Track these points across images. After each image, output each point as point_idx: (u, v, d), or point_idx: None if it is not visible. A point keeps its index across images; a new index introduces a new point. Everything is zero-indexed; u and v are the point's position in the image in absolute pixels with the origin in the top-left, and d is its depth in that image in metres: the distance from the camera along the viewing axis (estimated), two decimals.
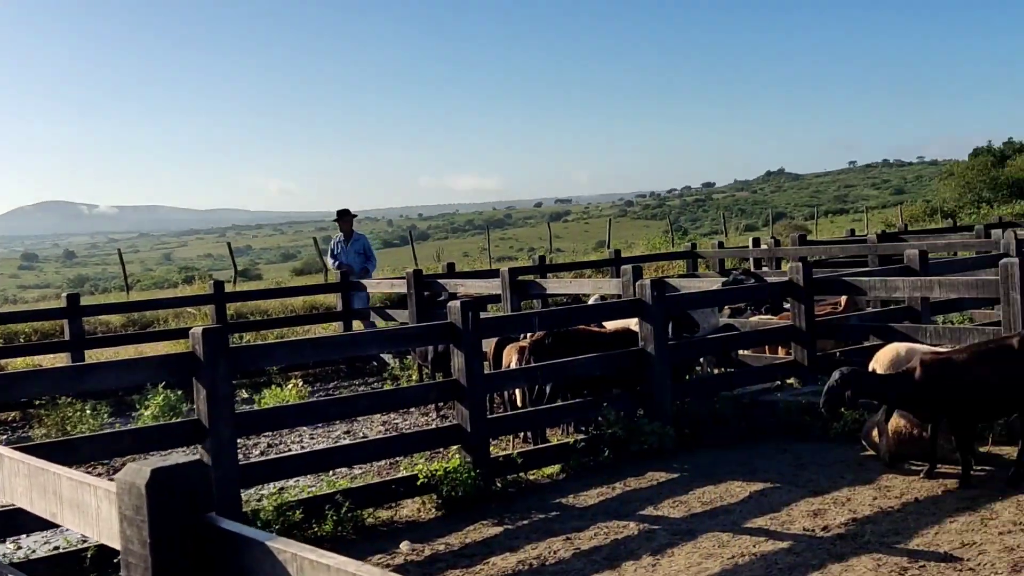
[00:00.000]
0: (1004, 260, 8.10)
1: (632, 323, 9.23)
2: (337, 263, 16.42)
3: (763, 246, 18.24)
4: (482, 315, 7.82)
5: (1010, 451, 7.86)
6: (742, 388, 9.51)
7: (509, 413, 8.31)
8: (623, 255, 18.42)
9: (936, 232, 20.71)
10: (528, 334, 8.98)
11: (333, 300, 17.01)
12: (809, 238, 20.93)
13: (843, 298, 11.36)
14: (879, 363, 7.89)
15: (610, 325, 9.51)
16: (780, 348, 10.58)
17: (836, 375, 7.26)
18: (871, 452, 8.09)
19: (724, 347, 9.60)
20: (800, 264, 9.58)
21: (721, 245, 19.38)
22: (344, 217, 16.32)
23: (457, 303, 7.59)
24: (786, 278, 9.71)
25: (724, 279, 10.79)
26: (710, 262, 18.76)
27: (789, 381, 9.73)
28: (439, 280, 14.24)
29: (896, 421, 7.82)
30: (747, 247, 18.90)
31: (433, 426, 9.04)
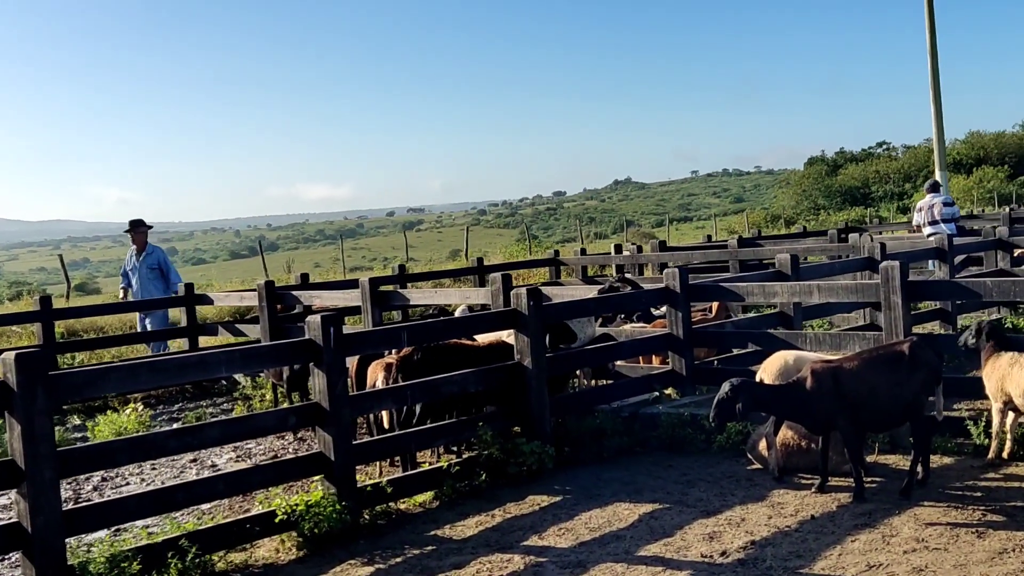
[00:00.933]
0: (885, 264, 7.90)
1: (505, 335, 8.66)
2: (123, 285, 15.22)
3: (625, 252, 18.01)
4: (345, 330, 7.06)
5: (896, 460, 7.66)
6: (620, 401, 9.06)
7: (377, 437, 7.58)
8: (484, 263, 17.86)
9: (791, 237, 21.02)
10: (394, 349, 8.28)
11: (177, 315, 15.80)
12: (669, 244, 20.88)
13: (714, 304, 11.10)
14: (767, 373, 7.55)
15: (481, 338, 8.90)
16: (655, 358, 10.21)
17: (726, 387, 6.86)
18: (758, 465, 7.75)
19: (603, 358, 9.12)
20: (676, 270, 9.22)
21: (583, 252, 19.09)
22: (137, 228, 15.07)
23: (317, 318, 6.83)
24: (662, 284, 9.31)
25: (599, 287, 10.34)
26: (573, 269, 18.45)
27: (667, 391, 9.34)
28: (293, 292, 13.33)
29: (784, 433, 7.50)
30: (609, 254, 18.67)
31: (292, 454, 8.19)
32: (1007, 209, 25.82)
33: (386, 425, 8.30)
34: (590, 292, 10.26)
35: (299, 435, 9.90)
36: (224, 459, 9.45)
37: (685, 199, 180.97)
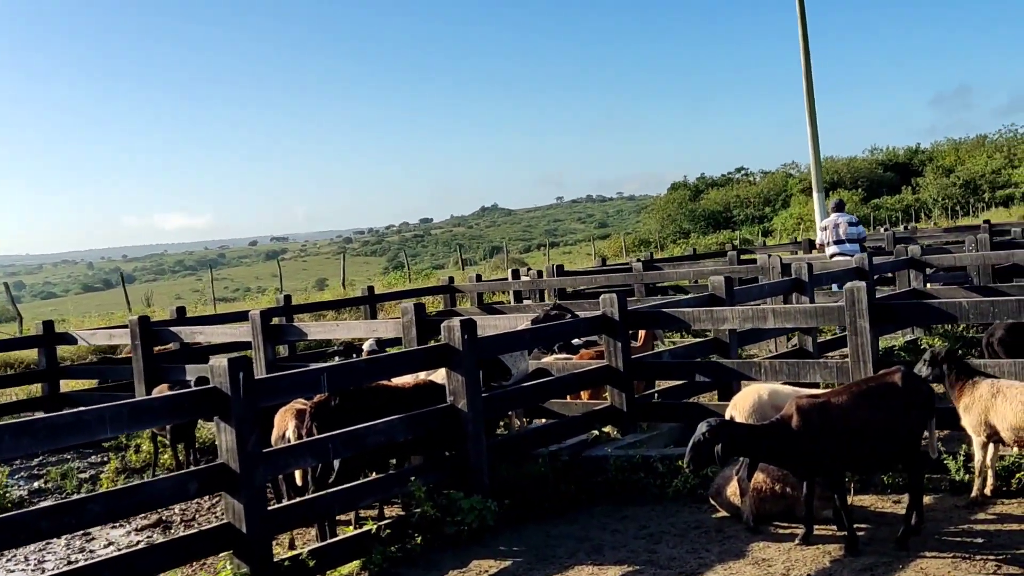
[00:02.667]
0: (850, 284, 7.24)
1: (424, 374, 7.64)
2: None
3: (524, 278, 17.17)
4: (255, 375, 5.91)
5: (873, 501, 6.97)
6: (558, 443, 8.13)
7: (295, 501, 6.40)
8: (376, 292, 16.71)
9: (689, 259, 20.60)
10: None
11: (33, 356, 14.08)
12: (578, 267, 20.17)
13: (642, 332, 10.32)
14: (738, 410, 6.75)
15: (401, 379, 7.82)
16: (583, 392, 9.32)
17: (703, 428, 6.01)
18: (724, 513, 6.93)
19: (542, 396, 8.18)
20: (614, 295, 8.38)
21: (479, 278, 18.16)
22: None
23: (223, 361, 5.67)
24: (598, 312, 8.45)
25: (534, 316, 9.42)
26: (469, 296, 17.49)
27: (606, 429, 8.46)
28: (171, 328, 11.89)
29: (755, 476, 6.70)
30: (506, 279, 17.81)
31: (194, 523, 6.88)
32: (891, 230, 26.21)
33: (298, 483, 7.13)
34: (519, 322, 9.31)
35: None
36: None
37: (551, 225, 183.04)
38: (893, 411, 6.02)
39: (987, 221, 28.02)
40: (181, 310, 13.92)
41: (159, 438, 9.86)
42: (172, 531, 8.13)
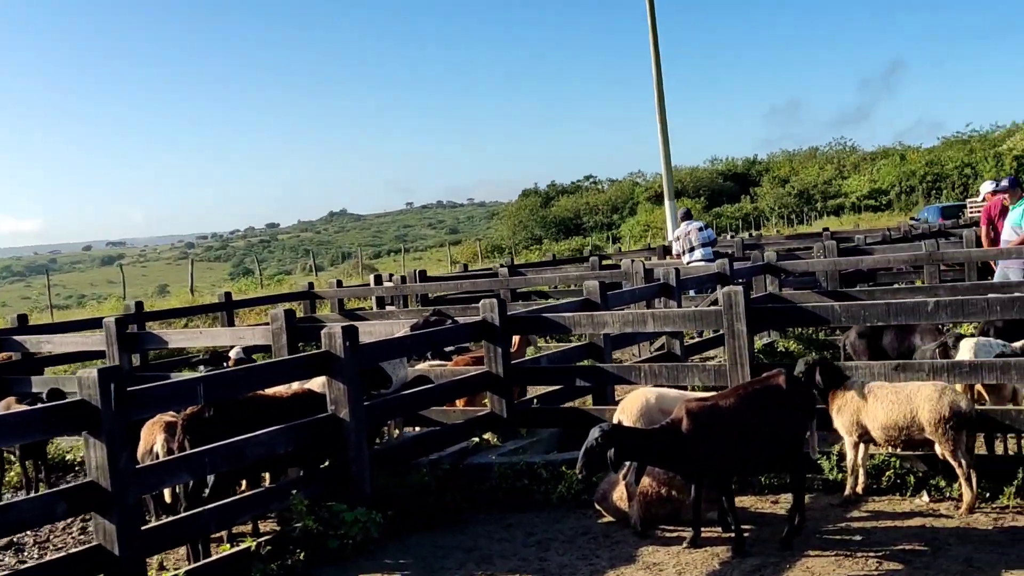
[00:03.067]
0: (727, 289, 7.37)
1: (296, 384, 7.37)
2: None
3: (388, 284, 16.92)
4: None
5: (753, 502, 7.10)
6: (439, 451, 7.97)
7: (171, 519, 6.01)
8: (233, 299, 16.12)
9: (550, 265, 20.74)
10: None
11: None
12: (431, 273, 20.00)
13: (516, 337, 10.26)
14: (626, 414, 6.75)
15: (275, 389, 7.50)
16: (458, 400, 9.19)
17: (596, 433, 5.97)
18: (610, 518, 6.93)
19: (423, 403, 8.00)
20: (494, 301, 8.29)
21: (339, 284, 17.77)
22: None
23: (93, 372, 5.28)
24: (478, 317, 8.34)
25: (414, 322, 9.20)
26: (330, 302, 17.11)
27: (486, 436, 8.36)
28: (14, 337, 11.12)
29: (641, 481, 6.72)
30: (368, 285, 17.51)
31: (64, 551, 6.30)
32: (739, 237, 27.11)
33: (168, 500, 6.74)
34: (397, 328, 9.09)
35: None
36: None
37: (401, 231, 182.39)
38: (778, 413, 6.14)
39: (826, 229, 29.42)
40: (23, 317, 13.06)
41: (5, 454, 9.18)
42: (25, 553, 7.55)
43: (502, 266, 18.16)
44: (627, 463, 6.46)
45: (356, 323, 7.95)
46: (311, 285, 17.70)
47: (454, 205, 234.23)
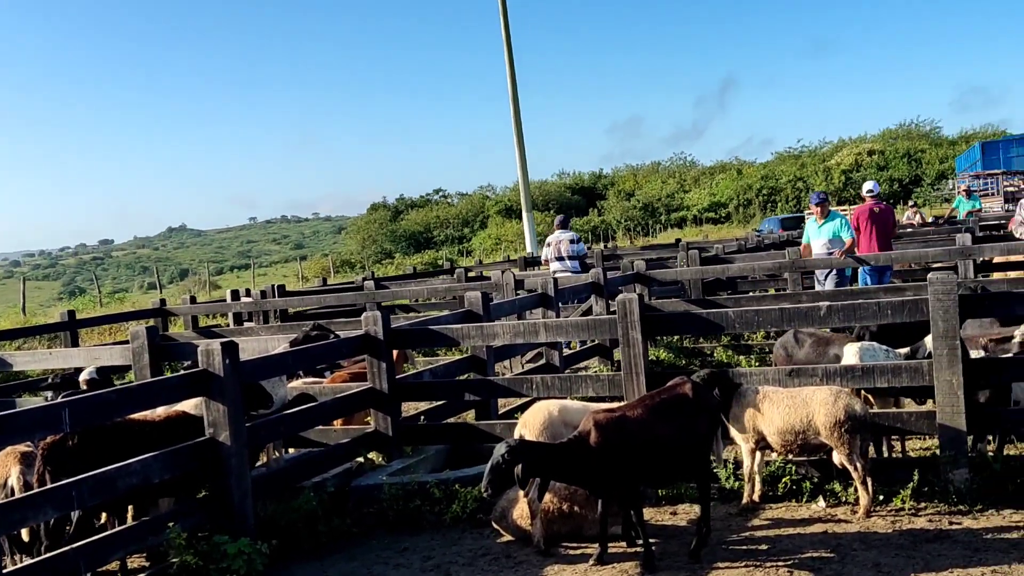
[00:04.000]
0: (622, 296, 7.22)
1: (164, 409, 6.79)
2: None
3: (245, 299, 16.18)
4: None
5: (652, 515, 6.94)
6: (323, 473, 7.52)
7: (35, 561, 5.33)
8: (77, 317, 15.05)
9: (411, 278, 20.32)
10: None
11: None
12: (290, 287, 19.28)
13: (394, 353, 9.87)
14: (529, 428, 6.48)
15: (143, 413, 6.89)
16: (335, 420, 8.73)
17: (502, 449, 5.69)
18: (508, 537, 6.65)
19: (308, 423, 7.52)
20: (377, 314, 7.91)
21: (193, 300, 16.88)
22: None
23: None
24: (360, 331, 7.94)
25: (293, 337, 8.65)
26: (183, 319, 16.23)
27: (371, 455, 7.95)
28: None
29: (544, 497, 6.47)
30: (224, 300, 16.72)
31: None
32: (597, 249, 27.35)
33: (26, 538, 6.06)
34: (273, 344, 8.55)
35: None
36: None
37: (244, 246, 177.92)
38: (686, 422, 6.01)
39: (678, 240, 30.09)
40: None
41: None
42: None
43: (366, 279, 17.66)
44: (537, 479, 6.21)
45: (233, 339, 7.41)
46: (163, 302, 16.75)
47: (299, 219, 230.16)
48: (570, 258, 15.88)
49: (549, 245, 15.98)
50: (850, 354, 7.57)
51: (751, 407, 6.71)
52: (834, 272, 13.19)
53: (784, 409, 6.61)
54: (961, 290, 6.85)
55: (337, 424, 8.63)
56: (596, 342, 12.00)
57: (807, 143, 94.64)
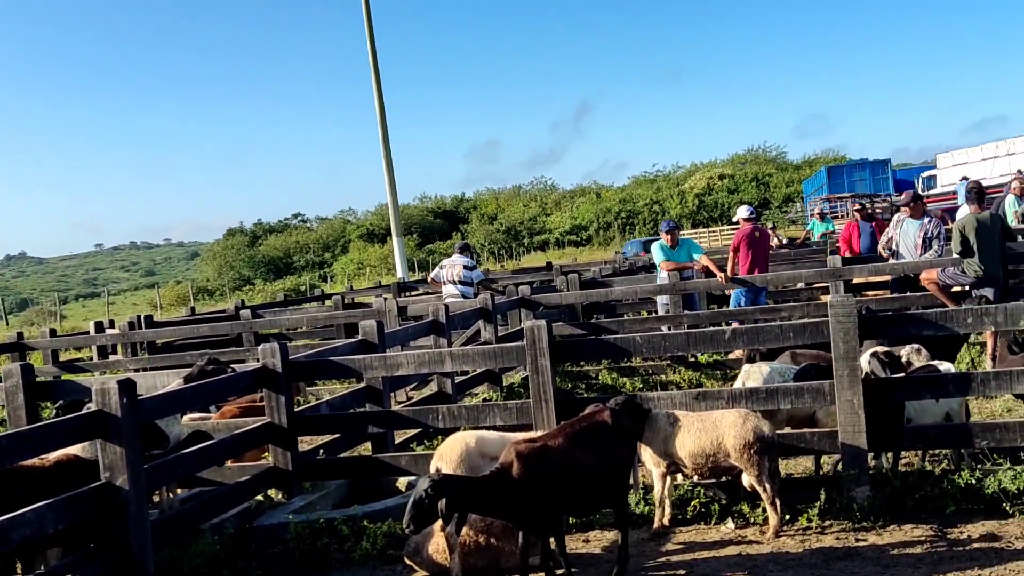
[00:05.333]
0: (530, 323, 7.17)
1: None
2: None
3: (112, 331, 15.43)
4: None
5: (567, 543, 6.87)
6: (223, 513, 7.17)
7: None
8: None
9: (289, 305, 19.78)
10: None
11: None
12: (116, 319, 18.49)
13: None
14: (445, 460, 6.33)
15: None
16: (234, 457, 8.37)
17: (425, 484, 5.53)
18: (423, 573, 6.48)
19: (207, 461, 7.15)
20: (275, 346, 7.63)
21: (53, 333, 15.97)
22: None
23: None
24: (258, 364, 7.64)
25: (186, 371, 8.20)
26: (43, 353, 15.36)
27: (271, 493, 7.65)
28: None
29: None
30: (88, 333, 15.90)
31: None
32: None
33: None
34: (163, 379, 8.12)
35: None
36: None
37: (90, 274, 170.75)
38: (607, 449, 5.98)
39: (550, 263, 30.39)
40: None
41: None
42: None
43: (239, 307, 17.09)
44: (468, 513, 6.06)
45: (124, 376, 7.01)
46: (20, 335, 15.79)
47: (149, 246, 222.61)
48: (461, 283, 15.76)
49: (444, 267, 15.84)
50: (755, 376, 7.73)
51: (663, 432, 6.75)
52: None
53: (695, 432, 6.68)
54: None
55: (229, 461, 8.28)
56: (487, 369, 11.93)
57: (661, 167, 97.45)
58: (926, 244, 13.34)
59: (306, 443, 9.11)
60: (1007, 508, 6.50)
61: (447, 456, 6.33)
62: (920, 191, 48.45)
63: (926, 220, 13.51)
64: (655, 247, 14.71)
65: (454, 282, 15.29)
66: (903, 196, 14.38)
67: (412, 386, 12.89)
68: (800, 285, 15.18)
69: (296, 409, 8.14)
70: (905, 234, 13.55)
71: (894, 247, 13.68)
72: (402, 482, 7.89)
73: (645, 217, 77.66)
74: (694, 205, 77.32)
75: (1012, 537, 6.11)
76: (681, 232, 15.35)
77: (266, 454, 7.92)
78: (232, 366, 8.41)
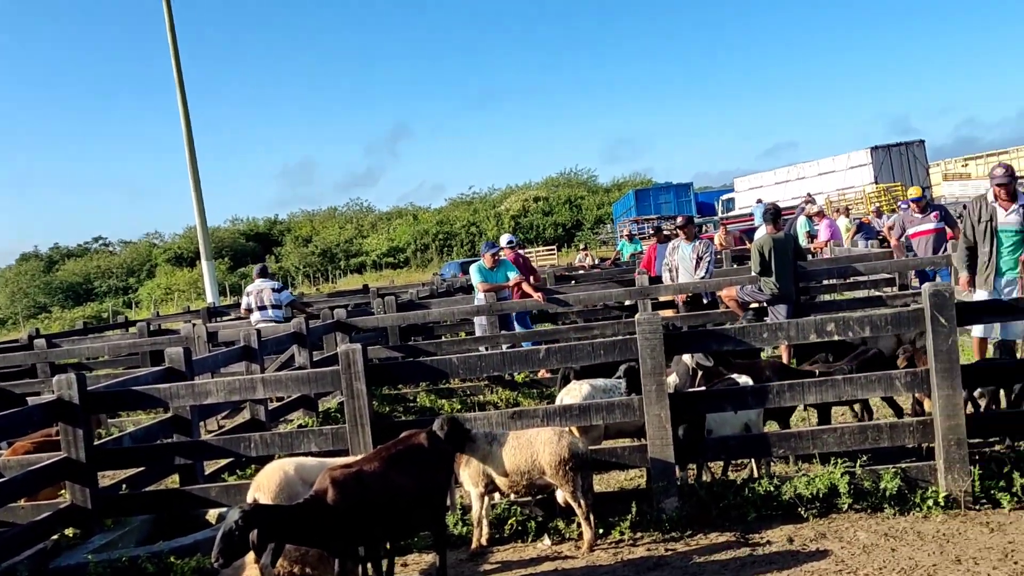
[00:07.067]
0: (345, 347, 7.08)
1: None
2: None
3: None
4: None
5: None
6: (14, 556, 6.69)
7: None
8: None
9: (89, 333, 18.73)
10: None
11: None
12: None
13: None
14: (264, 490, 6.12)
15: None
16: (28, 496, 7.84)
17: (235, 514, 5.34)
18: None
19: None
20: (72, 376, 7.22)
21: None
22: None
23: None
24: (53, 396, 7.20)
25: None
26: None
27: (67, 532, 7.20)
28: None
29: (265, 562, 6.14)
30: None
31: None
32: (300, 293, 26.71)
33: None
34: None
35: None
36: None
37: None
38: (423, 472, 5.96)
39: (366, 286, 30.11)
40: None
41: None
42: None
43: (32, 336, 16.08)
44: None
45: None
46: None
47: None
48: (273, 307, 15.35)
49: (249, 295, 15.38)
50: (575, 394, 7.88)
51: (481, 452, 6.79)
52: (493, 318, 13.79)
53: (510, 451, 6.75)
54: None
55: (22, 500, 7.77)
56: (300, 395, 11.68)
57: (478, 190, 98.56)
58: (698, 263, 14.30)
59: (109, 478, 8.66)
60: (802, 512, 6.88)
61: (265, 485, 6.14)
62: (720, 212, 51.23)
63: (698, 242, 14.57)
64: (473, 269, 14.87)
65: (264, 307, 14.91)
66: (678, 219, 15.28)
67: (224, 414, 12.48)
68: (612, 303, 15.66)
69: (96, 442, 7.73)
70: (682, 257, 14.50)
71: (672, 270, 14.59)
72: (212, 514, 7.60)
73: (463, 239, 78.21)
74: (510, 227, 78.49)
75: (807, 540, 6.47)
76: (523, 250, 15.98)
77: (63, 491, 7.46)
78: (28, 398, 7.89)
